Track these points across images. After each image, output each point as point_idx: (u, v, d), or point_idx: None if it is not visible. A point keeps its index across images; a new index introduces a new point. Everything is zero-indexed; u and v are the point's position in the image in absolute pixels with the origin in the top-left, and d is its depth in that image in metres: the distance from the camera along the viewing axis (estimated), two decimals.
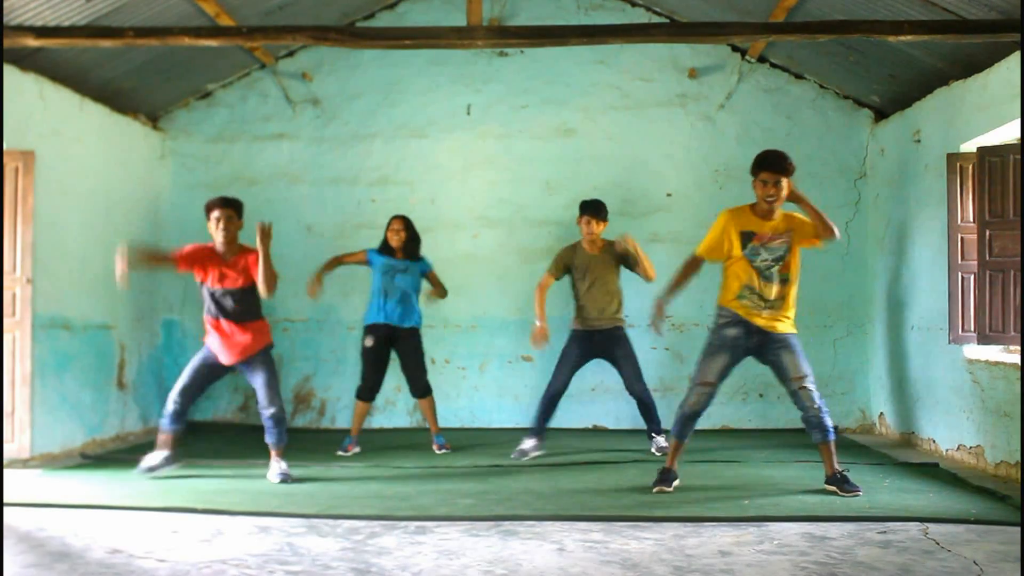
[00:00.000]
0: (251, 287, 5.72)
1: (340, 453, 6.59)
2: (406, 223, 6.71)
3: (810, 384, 5.13)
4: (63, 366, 6.56)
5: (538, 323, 6.44)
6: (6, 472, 5.68)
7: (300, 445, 7.00)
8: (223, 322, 5.66)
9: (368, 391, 6.70)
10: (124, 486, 5.39)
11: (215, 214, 5.63)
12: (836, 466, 5.19)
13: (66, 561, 3.82)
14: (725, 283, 5.30)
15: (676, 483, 5.31)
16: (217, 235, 5.64)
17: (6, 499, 4.77)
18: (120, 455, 6.57)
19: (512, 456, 6.37)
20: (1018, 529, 4.29)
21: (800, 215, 5.30)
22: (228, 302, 5.66)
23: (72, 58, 6.50)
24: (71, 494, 5.05)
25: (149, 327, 7.97)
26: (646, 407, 6.61)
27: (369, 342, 6.63)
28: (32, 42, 5.30)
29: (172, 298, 8.21)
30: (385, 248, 6.69)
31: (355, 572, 3.68)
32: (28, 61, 6.22)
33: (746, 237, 5.19)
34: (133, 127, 7.78)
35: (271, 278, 5.51)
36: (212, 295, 5.68)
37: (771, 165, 5.13)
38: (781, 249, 5.18)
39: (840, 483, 5.13)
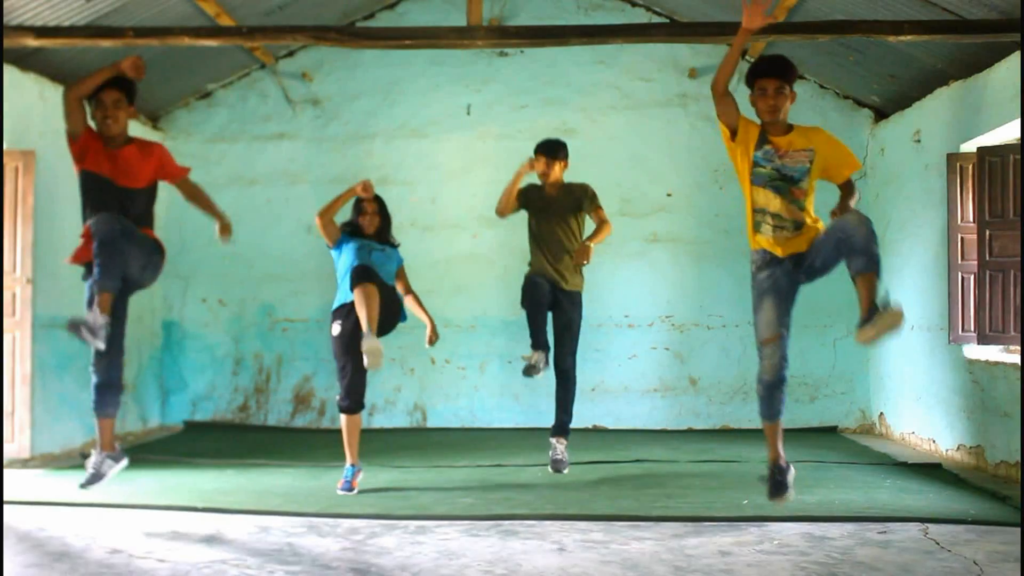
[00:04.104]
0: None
1: (342, 492, 5.21)
2: (380, 205, 5.55)
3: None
4: (63, 366, 6.56)
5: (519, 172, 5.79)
6: (6, 472, 5.68)
7: (300, 445, 7.01)
8: None
9: (353, 394, 5.34)
10: (124, 486, 5.39)
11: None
12: (874, 297, 4.14)
13: (66, 561, 3.81)
14: (747, 224, 4.65)
15: (792, 475, 4.47)
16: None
17: (6, 499, 4.77)
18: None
19: (525, 370, 5.67)
20: (1018, 529, 4.28)
21: (819, 129, 4.59)
22: None
23: (72, 58, 6.50)
24: (71, 494, 5.05)
25: (149, 327, 7.97)
26: (565, 390, 5.73)
27: (336, 329, 5.37)
28: (32, 42, 5.30)
29: (172, 298, 8.21)
30: (355, 232, 5.52)
31: (355, 572, 3.68)
32: (28, 61, 6.22)
33: (761, 138, 4.45)
34: (133, 127, 7.74)
35: None
36: None
37: (769, 69, 4.45)
38: (799, 169, 4.41)
39: (878, 310, 4.09)
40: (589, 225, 5.88)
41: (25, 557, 3.87)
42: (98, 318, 4.52)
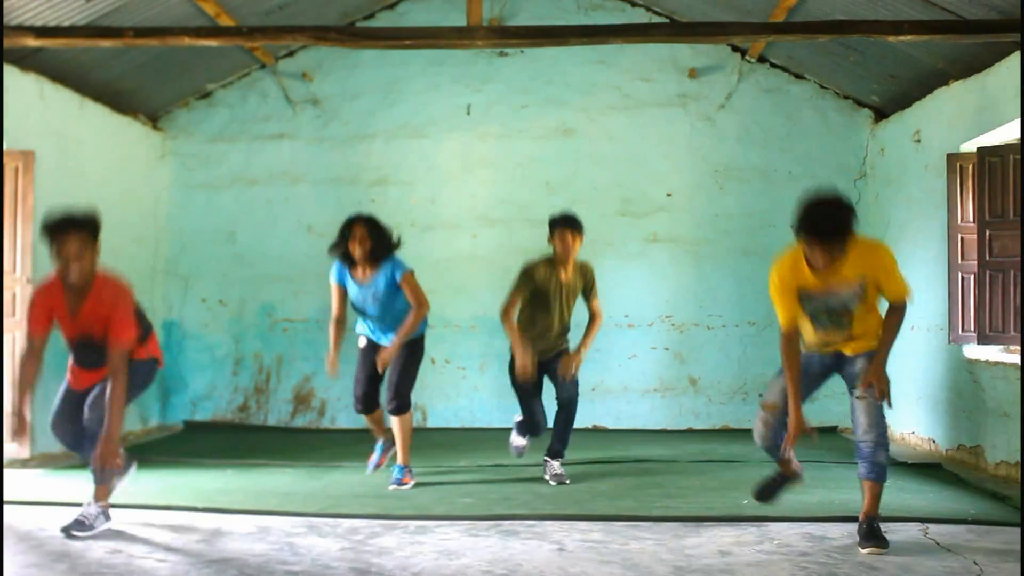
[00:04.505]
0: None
1: (394, 488, 5.32)
2: (371, 228, 5.30)
3: (871, 397, 4.10)
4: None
5: (520, 353, 5.34)
6: (6, 472, 5.68)
7: (300, 445, 7.01)
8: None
9: (356, 400, 5.49)
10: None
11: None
12: (872, 511, 4.10)
13: (66, 561, 3.82)
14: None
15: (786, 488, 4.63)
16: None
17: (6, 499, 4.77)
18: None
19: (513, 454, 5.93)
20: (1018, 529, 4.29)
21: (877, 253, 4.08)
22: None
23: (72, 58, 6.50)
24: (71, 494, 5.05)
25: None
26: (566, 420, 5.59)
27: (362, 343, 5.54)
28: (32, 42, 5.30)
29: (172, 298, 8.21)
30: (346, 255, 5.36)
31: (355, 572, 3.68)
32: (28, 61, 6.22)
33: (802, 296, 4.11)
34: (133, 127, 7.78)
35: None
36: None
37: (818, 231, 3.84)
38: (848, 297, 4.07)
39: (865, 534, 4.05)
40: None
41: (25, 557, 3.87)
42: (96, 511, 4.32)
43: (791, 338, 4.15)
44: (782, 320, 4.15)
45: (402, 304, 5.36)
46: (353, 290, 5.39)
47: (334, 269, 5.44)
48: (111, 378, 4.20)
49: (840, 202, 3.90)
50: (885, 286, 4.07)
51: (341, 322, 5.47)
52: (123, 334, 4.21)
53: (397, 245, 5.45)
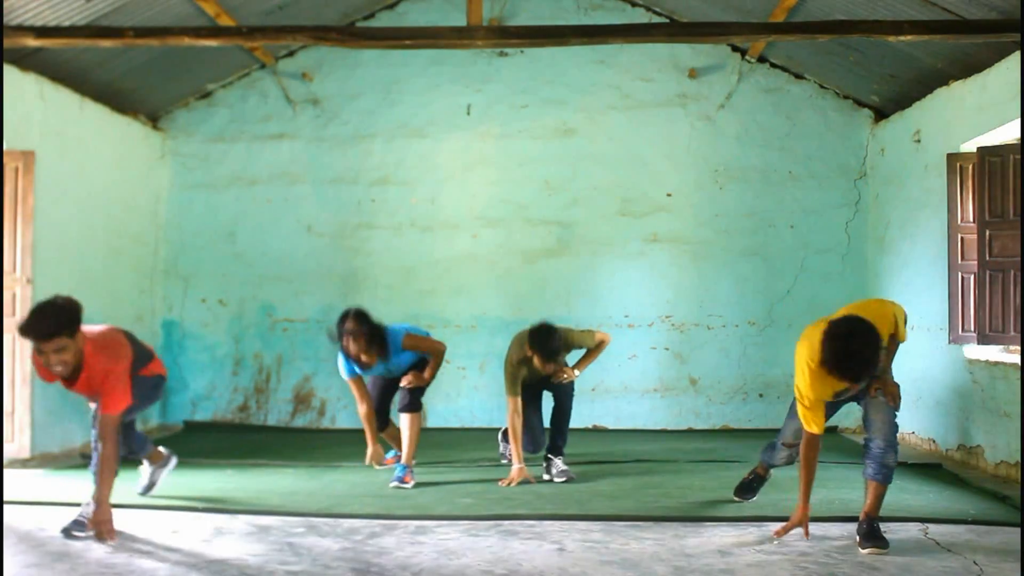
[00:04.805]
0: None
1: (395, 485, 5.36)
2: (360, 322, 5.31)
3: (882, 397, 4.14)
4: None
5: (517, 464, 5.48)
6: (6, 472, 5.68)
7: (300, 445, 7.01)
8: None
9: (381, 416, 5.83)
10: (124, 486, 5.38)
11: None
12: (874, 511, 4.12)
13: (66, 561, 3.82)
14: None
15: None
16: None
17: (6, 499, 4.77)
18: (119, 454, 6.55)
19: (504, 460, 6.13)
20: (1018, 529, 4.29)
21: (888, 315, 4.17)
22: None
23: (72, 58, 6.50)
24: (71, 494, 5.05)
25: (149, 327, 7.97)
26: (563, 414, 5.70)
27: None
28: (32, 42, 5.30)
29: (172, 298, 8.21)
30: (347, 355, 5.43)
31: (355, 572, 3.68)
32: (28, 61, 6.22)
33: (837, 396, 4.15)
34: (133, 127, 7.78)
35: None
36: None
37: (847, 375, 3.80)
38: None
39: (865, 534, 4.06)
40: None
41: (25, 557, 3.87)
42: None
43: (815, 441, 4.15)
44: (812, 427, 4.10)
45: (409, 355, 5.56)
46: (363, 373, 5.59)
47: (343, 366, 5.53)
48: (100, 443, 4.19)
49: (865, 341, 3.76)
50: (895, 332, 4.20)
51: (373, 414, 5.67)
52: (113, 407, 4.20)
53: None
